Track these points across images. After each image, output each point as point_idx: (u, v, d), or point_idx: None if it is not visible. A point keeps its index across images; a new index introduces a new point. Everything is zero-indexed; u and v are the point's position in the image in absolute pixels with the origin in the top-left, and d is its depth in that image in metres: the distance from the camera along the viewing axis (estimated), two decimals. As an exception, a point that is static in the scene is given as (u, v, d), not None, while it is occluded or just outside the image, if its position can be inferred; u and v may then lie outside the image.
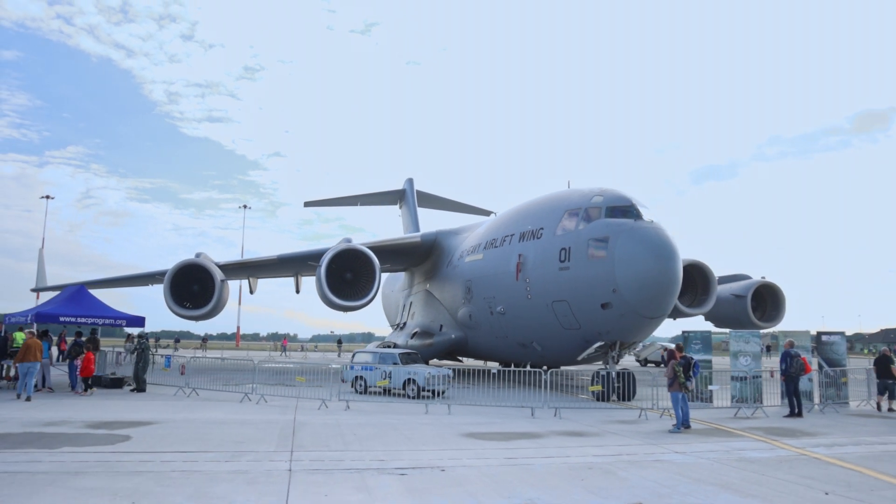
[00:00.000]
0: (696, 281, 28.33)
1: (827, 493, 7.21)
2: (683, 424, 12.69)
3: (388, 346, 33.78)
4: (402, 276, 38.82)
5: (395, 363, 18.59)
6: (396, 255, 30.42)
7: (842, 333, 18.26)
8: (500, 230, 22.51)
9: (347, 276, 25.46)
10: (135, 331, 21.02)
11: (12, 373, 17.03)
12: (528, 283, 19.69)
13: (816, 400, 17.35)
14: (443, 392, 18.31)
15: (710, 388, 16.85)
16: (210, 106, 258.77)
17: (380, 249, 29.74)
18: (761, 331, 29.30)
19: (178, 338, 58.76)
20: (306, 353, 60.25)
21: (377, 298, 46.75)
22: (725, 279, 32.66)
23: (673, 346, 17.47)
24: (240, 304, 64.59)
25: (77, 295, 17.64)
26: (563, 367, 22.71)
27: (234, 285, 37.04)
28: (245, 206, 70.80)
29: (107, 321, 17.54)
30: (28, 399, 14.97)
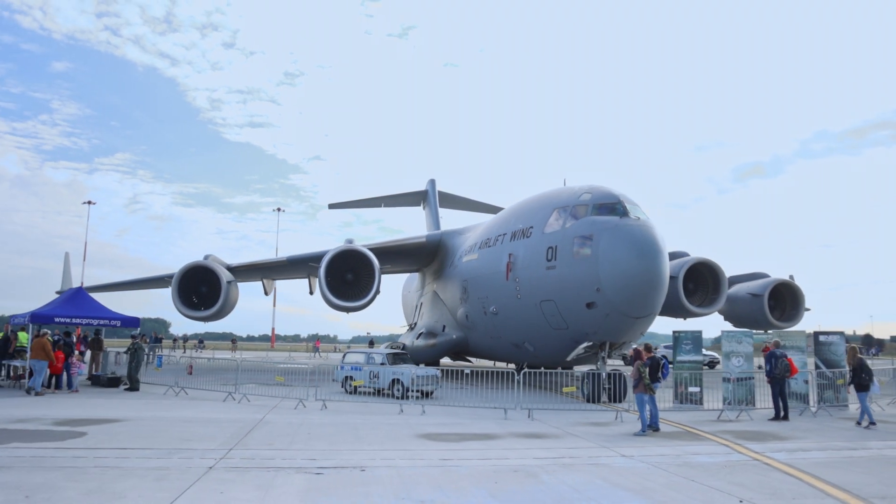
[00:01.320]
0: (707, 280, 27.51)
1: (741, 501, 6.89)
2: (651, 427, 12.33)
3: (398, 347, 33.93)
4: (417, 277, 38.96)
5: (381, 363, 18.64)
6: (403, 255, 30.49)
7: (841, 333, 17.47)
8: (494, 229, 22.35)
9: (348, 276, 25.66)
10: (139, 333, 21.52)
11: (20, 371, 17.78)
12: (517, 283, 19.48)
13: (813, 402, 16.66)
14: (430, 393, 18.27)
15: (690, 389, 16.34)
16: (251, 111, 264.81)
17: (386, 250, 29.93)
18: (782, 330, 28.44)
19: (201, 339, 60.16)
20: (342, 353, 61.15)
21: (397, 299, 46.92)
22: (743, 277, 31.68)
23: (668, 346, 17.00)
24: (274, 305, 65.96)
25: (75, 296, 18.28)
26: (565, 368, 22.41)
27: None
28: (279, 209, 72.28)
29: (101, 322, 18.11)
30: (37, 394, 16.05)
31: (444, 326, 27.49)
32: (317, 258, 27.04)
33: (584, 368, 19.24)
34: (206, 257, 27.26)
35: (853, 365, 14.01)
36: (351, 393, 18.82)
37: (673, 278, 26.51)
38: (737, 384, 16.78)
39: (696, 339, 17.56)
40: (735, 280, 31.95)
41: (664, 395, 17.29)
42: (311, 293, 35.15)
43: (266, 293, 34.67)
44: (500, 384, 20.92)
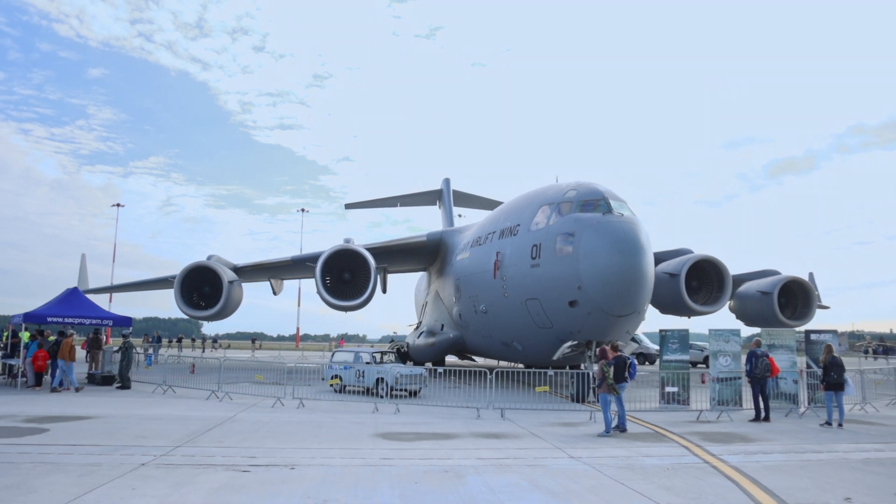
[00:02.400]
0: (712, 278, 26.90)
1: None
2: (618, 428, 12.10)
3: (401, 346, 34.00)
4: (425, 276, 38.99)
5: (367, 363, 18.68)
6: (405, 255, 30.52)
7: (833, 332, 16.89)
8: (486, 228, 22.22)
9: (346, 276, 25.78)
10: (141, 331, 21.92)
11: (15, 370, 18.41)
12: (504, 281, 19.33)
13: (805, 403, 16.16)
14: (417, 392, 18.25)
15: (667, 389, 15.97)
16: (281, 114, 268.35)
17: (388, 250, 30.01)
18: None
19: (215, 338, 61.25)
20: None
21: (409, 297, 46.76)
22: (753, 275, 30.91)
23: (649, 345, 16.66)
24: (298, 305, 66.95)
25: (69, 296, 18.73)
26: (572, 367, 22.15)
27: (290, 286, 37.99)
28: (303, 210, 73.39)
29: (94, 321, 18.53)
30: (76, 389, 17.51)
31: (442, 325, 27.45)
32: (318, 258, 27.26)
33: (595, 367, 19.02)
34: (210, 257, 27.68)
35: (824, 363, 13.55)
36: (339, 391, 18.93)
37: (675, 276, 26.09)
38: (724, 384, 16.37)
39: (682, 337, 17.17)
40: (746, 278, 31.22)
41: (653, 395, 17.00)
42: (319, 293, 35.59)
43: (275, 293, 35.03)
44: (497, 383, 20.77)
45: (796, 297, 29.10)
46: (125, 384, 18.32)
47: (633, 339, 40.69)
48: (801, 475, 8.32)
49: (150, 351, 27.72)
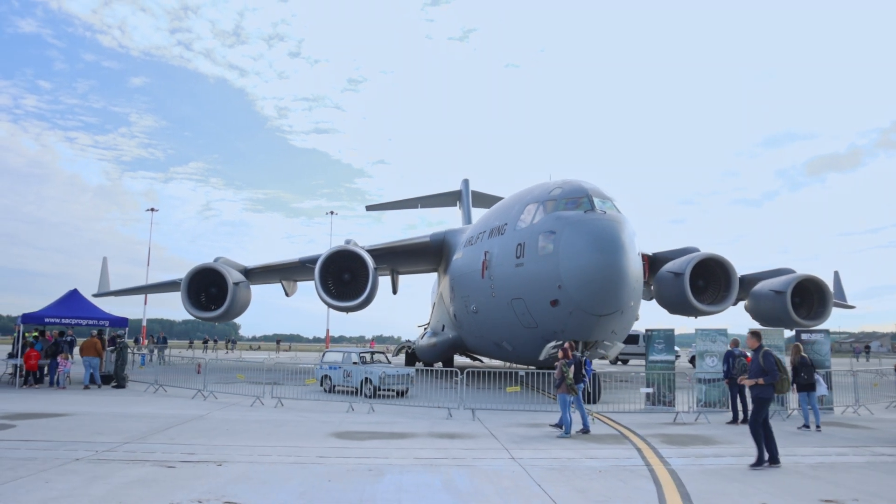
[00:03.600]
0: (719, 277, 26.20)
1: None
2: (582, 430, 11.88)
3: (408, 347, 34.12)
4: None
5: (354, 363, 18.78)
6: (411, 256, 30.55)
7: (826, 331, 16.26)
8: (478, 227, 22.12)
9: (345, 277, 25.97)
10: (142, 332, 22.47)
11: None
12: (492, 281, 19.19)
13: (794, 405, 15.59)
14: (405, 391, 18.27)
15: (642, 390, 15.59)
16: (317, 118, 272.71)
17: (391, 251, 30.13)
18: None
19: (234, 339, 62.50)
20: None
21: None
22: (768, 274, 30.02)
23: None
24: (328, 307, 67.79)
25: (69, 298, 19.36)
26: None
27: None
28: (332, 213, 74.34)
29: (90, 322, 19.12)
30: (98, 386, 18.67)
31: (443, 326, 27.44)
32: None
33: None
34: (217, 260, 28.23)
35: (794, 363, 13.04)
36: (328, 391, 19.09)
37: (680, 275, 25.52)
38: (711, 385, 15.97)
39: (668, 337, 16.76)
40: (761, 277, 30.36)
41: (640, 396, 16.61)
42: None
43: (287, 294, 35.47)
44: (493, 383, 20.66)
45: (812, 296, 28.11)
46: (120, 383, 18.83)
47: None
48: (734, 480, 8.03)
49: (144, 351, 28.42)
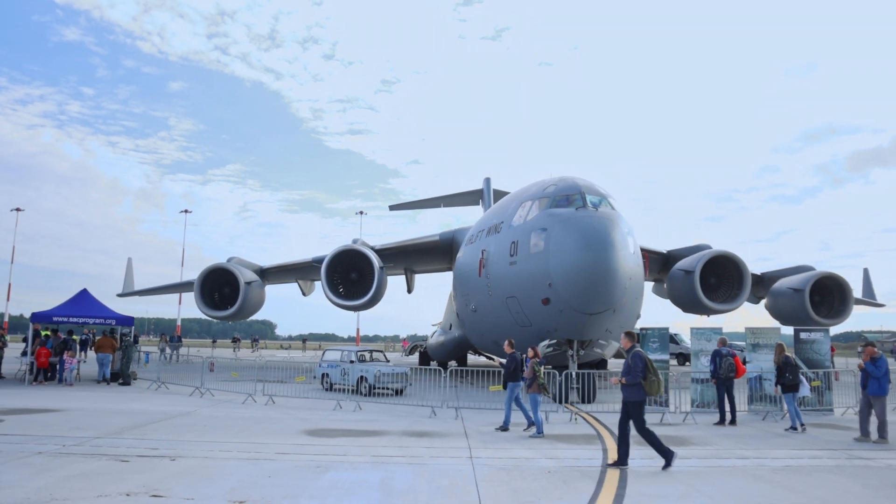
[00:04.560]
0: (732, 274, 25.56)
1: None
2: (534, 427, 11.80)
3: (421, 346, 34.19)
4: (454, 276, 38.99)
5: (351, 361, 18.92)
6: (423, 255, 30.62)
7: (825, 330, 15.69)
8: (479, 226, 22.05)
9: (352, 276, 26.18)
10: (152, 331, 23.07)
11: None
12: (489, 279, 19.09)
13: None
14: (401, 390, 18.35)
15: None
16: (351, 119, 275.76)
17: (403, 250, 30.26)
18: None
19: (256, 338, 63.53)
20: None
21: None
22: (788, 271, 29.22)
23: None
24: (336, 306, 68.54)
25: (78, 298, 20.00)
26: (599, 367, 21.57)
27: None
28: (361, 213, 75.14)
29: (97, 321, 19.72)
30: (107, 382, 19.63)
31: (451, 325, 27.44)
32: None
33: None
34: (230, 260, 28.80)
35: (778, 363, 12.61)
36: (327, 389, 19.28)
37: (690, 273, 25.03)
38: (705, 385, 15.58)
39: (662, 336, 16.42)
40: (780, 274, 29.60)
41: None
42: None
43: (304, 294, 35.90)
44: (489, 382, 20.54)
45: (832, 294, 27.26)
46: (126, 381, 19.37)
47: (673, 340, 39.33)
48: (682, 482, 7.82)
49: (155, 349, 29.09)
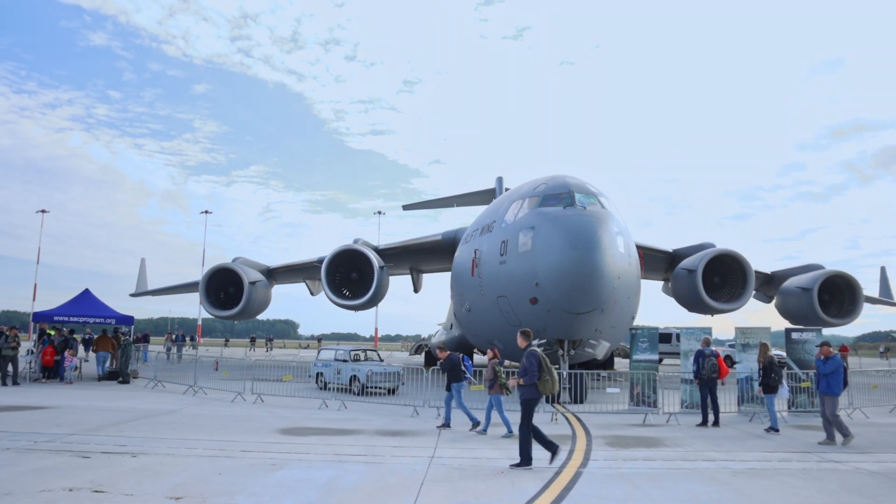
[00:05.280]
0: (736, 273, 25.13)
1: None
2: (479, 428, 11.94)
3: (425, 345, 34.20)
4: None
5: (344, 360, 19.03)
6: (427, 254, 30.64)
7: (818, 330, 15.33)
8: (474, 225, 21.99)
9: (353, 276, 26.32)
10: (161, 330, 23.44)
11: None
12: (481, 279, 19.02)
13: (783, 408, 14.81)
14: (394, 389, 18.42)
15: (608, 390, 15.10)
16: (373, 120, 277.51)
17: (406, 250, 30.34)
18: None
19: (271, 337, 63.99)
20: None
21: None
22: (797, 270, 28.67)
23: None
24: (376, 308, 69.04)
25: (80, 297, 20.44)
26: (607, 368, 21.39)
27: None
28: (379, 213, 75.28)
29: (97, 320, 20.13)
30: (104, 379, 20.16)
31: (451, 324, 27.40)
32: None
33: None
34: (235, 260, 29.14)
35: (763, 363, 12.35)
36: (322, 388, 19.39)
37: (692, 272, 24.67)
38: (694, 386, 15.32)
39: (652, 336, 16.22)
40: (790, 273, 29.06)
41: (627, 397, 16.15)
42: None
43: (312, 294, 36.15)
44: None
45: (842, 294, 26.67)
46: (125, 379, 19.73)
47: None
48: (634, 485, 7.70)
49: (165, 348, 29.56)
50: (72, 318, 19.55)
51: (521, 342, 9.41)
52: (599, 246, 15.17)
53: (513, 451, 9.83)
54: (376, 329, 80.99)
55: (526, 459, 8.50)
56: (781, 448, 10.45)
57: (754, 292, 33.42)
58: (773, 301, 29.99)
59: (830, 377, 10.61)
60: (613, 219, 16.55)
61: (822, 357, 10.90)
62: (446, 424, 12.25)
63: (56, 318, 19.46)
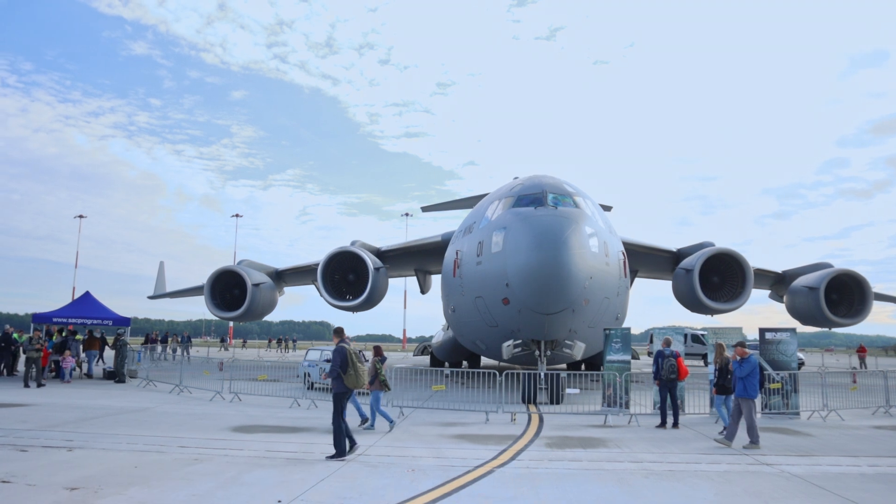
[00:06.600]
0: (736, 273, 24.55)
1: (279, 501, 6.66)
2: (364, 420, 12.33)
3: (428, 347, 34.30)
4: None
5: (326, 360, 19.29)
6: (427, 256, 30.71)
7: (792, 330, 14.89)
8: (460, 226, 22.02)
9: (350, 277, 26.63)
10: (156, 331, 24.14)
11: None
12: (461, 280, 19.07)
13: (757, 408, 14.45)
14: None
15: (567, 391, 14.94)
16: (407, 123, 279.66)
17: (407, 251, 30.53)
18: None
19: (284, 338, 64.88)
20: None
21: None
22: (805, 269, 27.89)
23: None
24: (405, 307, 69.69)
25: (80, 300, 21.26)
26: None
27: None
28: (407, 215, 76.07)
29: (94, 321, 20.87)
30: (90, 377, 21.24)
31: (447, 326, 27.45)
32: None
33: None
34: (240, 262, 29.82)
35: (719, 364, 12.07)
36: (308, 388, 19.70)
37: (690, 272, 24.23)
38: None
39: (625, 337, 16.00)
40: (800, 272, 28.28)
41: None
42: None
43: (321, 295, 36.63)
44: (482, 384, 20.50)
45: (851, 293, 25.80)
46: (121, 378, 20.42)
47: (699, 340, 38.02)
48: (528, 485, 7.69)
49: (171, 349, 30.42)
50: (70, 320, 20.33)
51: (334, 339, 9.94)
52: (566, 246, 15.04)
53: (446, 450, 9.93)
54: (404, 331, 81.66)
55: (340, 452, 8.99)
56: (720, 451, 10.22)
57: (768, 292, 32.65)
58: (783, 300, 29.23)
59: (746, 380, 10.35)
60: (587, 218, 16.42)
61: (738, 358, 10.62)
62: (365, 419, 12.57)
63: (55, 320, 20.27)
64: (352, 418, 12.56)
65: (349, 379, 9.33)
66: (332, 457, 8.96)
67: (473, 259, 17.97)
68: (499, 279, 16.16)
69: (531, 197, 16.72)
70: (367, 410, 12.59)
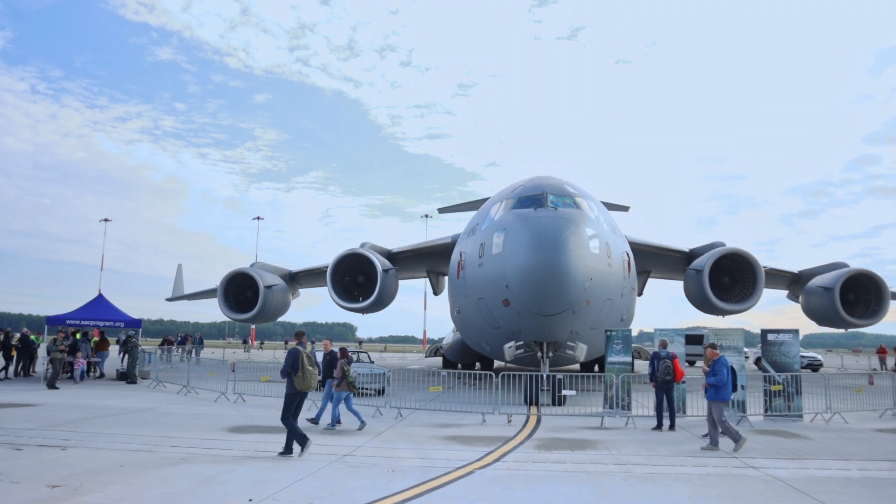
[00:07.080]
0: (747, 273, 24.19)
1: (251, 500, 6.76)
2: (313, 420, 12.80)
3: (439, 348, 34.33)
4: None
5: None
6: (439, 257, 30.78)
7: (795, 331, 14.64)
8: (465, 228, 22.04)
9: (360, 279, 26.83)
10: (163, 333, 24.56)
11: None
12: (465, 281, 19.11)
13: (759, 411, 14.28)
14: (382, 390, 18.72)
15: (564, 392, 14.85)
16: (429, 124, 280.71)
17: (417, 253, 30.65)
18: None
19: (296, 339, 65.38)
20: None
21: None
22: (821, 269, 27.37)
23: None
24: (425, 308, 69.85)
25: (93, 302, 21.73)
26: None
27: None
28: (426, 216, 75.90)
29: (106, 323, 21.32)
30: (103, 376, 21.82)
31: (455, 328, 27.49)
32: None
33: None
34: (253, 265, 30.19)
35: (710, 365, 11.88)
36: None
37: (700, 272, 23.95)
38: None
39: (626, 338, 15.89)
40: (816, 272, 27.79)
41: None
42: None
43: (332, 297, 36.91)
44: (491, 386, 20.52)
45: (868, 293, 25.26)
46: (132, 379, 20.83)
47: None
48: (504, 486, 7.70)
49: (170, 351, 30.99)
50: (83, 322, 20.80)
51: (294, 340, 10.30)
52: (565, 248, 15.00)
53: (432, 451, 9.98)
54: (424, 332, 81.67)
55: (287, 448, 9.36)
56: (709, 454, 10.11)
57: (786, 292, 32.10)
58: (799, 301, 28.73)
59: (717, 387, 10.22)
60: (588, 219, 16.36)
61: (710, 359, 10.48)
62: (314, 420, 13.04)
63: (68, 322, 20.75)
64: (351, 420, 12.78)
65: (298, 380, 9.63)
66: (281, 453, 9.35)
67: (476, 260, 17.99)
68: (499, 280, 16.18)
69: (531, 198, 16.71)
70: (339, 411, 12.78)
